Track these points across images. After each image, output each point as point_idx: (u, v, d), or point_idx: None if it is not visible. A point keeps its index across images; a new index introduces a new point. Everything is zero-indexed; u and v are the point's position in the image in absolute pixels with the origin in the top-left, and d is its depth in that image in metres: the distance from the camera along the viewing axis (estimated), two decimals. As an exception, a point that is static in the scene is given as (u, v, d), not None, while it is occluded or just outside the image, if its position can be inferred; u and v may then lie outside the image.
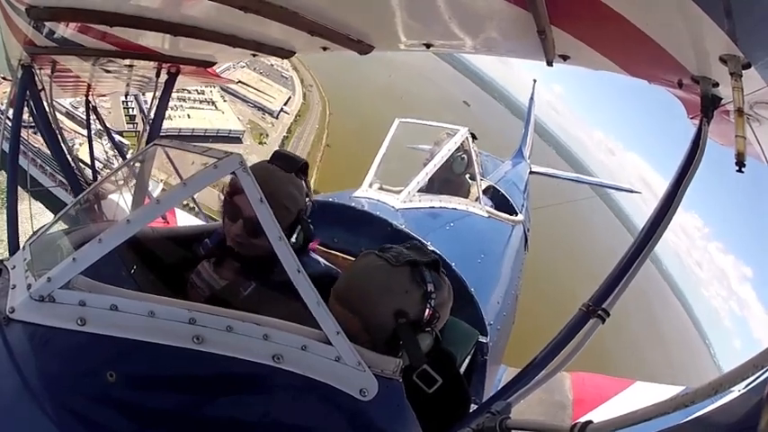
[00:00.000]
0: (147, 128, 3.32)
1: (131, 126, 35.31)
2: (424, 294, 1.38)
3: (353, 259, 1.57)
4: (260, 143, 47.65)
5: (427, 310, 1.37)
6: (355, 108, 59.15)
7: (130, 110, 36.45)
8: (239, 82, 45.65)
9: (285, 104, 54.80)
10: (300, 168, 1.79)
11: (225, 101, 47.91)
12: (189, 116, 43.51)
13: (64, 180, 3.15)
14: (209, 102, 46.42)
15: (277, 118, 52.74)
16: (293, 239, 1.70)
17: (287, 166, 1.75)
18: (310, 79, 61.33)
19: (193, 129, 42.96)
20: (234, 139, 46.05)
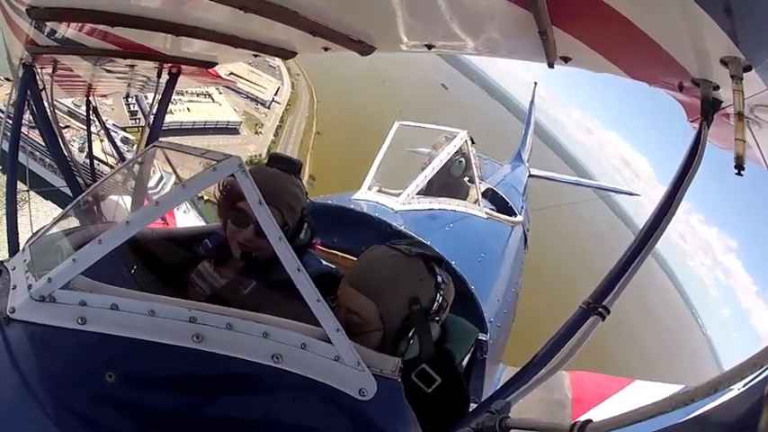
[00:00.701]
0: (149, 128, 3.32)
1: (134, 122, 35.51)
2: (436, 284, 1.45)
3: (354, 258, 1.58)
4: (256, 133, 48.82)
5: (438, 299, 1.44)
6: (341, 94, 59.94)
7: (131, 105, 36.54)
8: (231, 74, 46.17)
9: (275, 94, 55.94)
10: (297, 169, 1.84)
11: (220, 93, 48.61)
12: (188, 109, 44.17)
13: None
14: (205, 95, 46.98)
15: (269, 108, 53.83)
16: (302, 236, 1.75)
17: (286, 167, 1.78)
18: (297, 68, 61.90)
19: (194, 122, 43.72)
20: (231, 129, 46.89)
